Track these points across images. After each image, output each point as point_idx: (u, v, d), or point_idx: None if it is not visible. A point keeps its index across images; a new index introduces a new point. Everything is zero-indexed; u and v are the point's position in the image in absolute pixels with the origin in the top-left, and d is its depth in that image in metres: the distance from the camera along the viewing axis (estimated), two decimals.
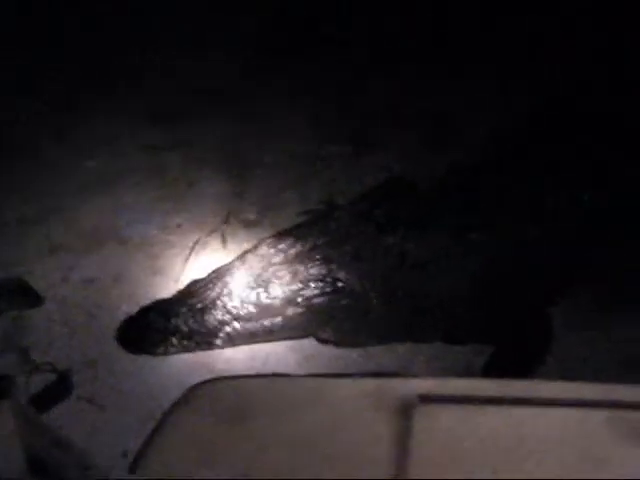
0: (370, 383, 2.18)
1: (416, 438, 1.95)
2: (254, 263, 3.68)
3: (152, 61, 5.45)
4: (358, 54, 5.36)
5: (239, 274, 3.63)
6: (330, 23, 5.59)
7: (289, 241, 3.71)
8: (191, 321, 3.53)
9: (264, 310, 3.56)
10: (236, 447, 2.03)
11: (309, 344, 3.68)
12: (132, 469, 1.94)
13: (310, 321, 3.62)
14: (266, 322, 3.57)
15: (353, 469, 1.94)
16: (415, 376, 2.22)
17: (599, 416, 1.95)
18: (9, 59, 5.34)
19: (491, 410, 2.00)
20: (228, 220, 4.29)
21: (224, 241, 4.16)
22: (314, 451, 1.99)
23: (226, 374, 3.37)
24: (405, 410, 2.01)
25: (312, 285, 3.58)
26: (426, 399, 2.03)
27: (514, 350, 3.66)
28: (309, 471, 1.95)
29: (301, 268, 3.60)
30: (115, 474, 1.64)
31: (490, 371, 3.54)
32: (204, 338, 3.54)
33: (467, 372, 3.56)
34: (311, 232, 3.76)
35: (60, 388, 3.46)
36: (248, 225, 4.26)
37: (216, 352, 3.61)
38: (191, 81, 5.32)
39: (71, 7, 5.66)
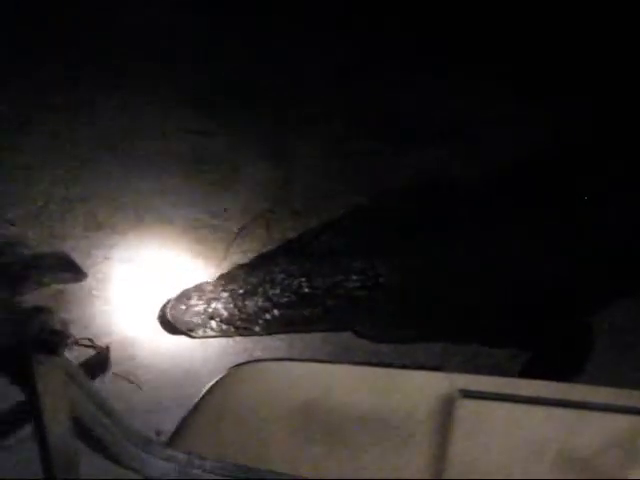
0: (412, 375, 2.17)
1: (456, 431, 1.93)
2: (297, 252, 3.69)
3: (194, 50, 5.50)
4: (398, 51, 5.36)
5: (282, 262, 3.63)
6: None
7: (333, 232, 3.72)
8: (231, 306, 3.53)
9: (304, 300, 3.55)
10: (273, 429, 2.03)
11: (346, 337, 3.67)
12: (169, 445, 1.94)
13: (349, 314, 3.61)
14: (306, 312, 3.56)
15: (391, 459, 1.93)
16: (456, 371, 2.19)
17: None
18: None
19: (532, 410, 1.99)
20: (274, 208, 4.30)
21: (269, 228, 4.17)
22: (351, 440, 1.99)
23: None
24: (446, 403, 2.00)
25: (354, 278, 3.56)
26: (467, 394, 2.02)
27: (551, 357, 3.62)
28: (344, 459, 1.94)
29: (344, 260, 3.59)
30: (151, 448, 1.63)
31: (525, 376, 3.51)
32: (243, 324, 3.55)
33: (502, 375, 3.53)
34: (355, 225, 3.76)
35: (97, 364, 3.48)
36: (293, 214, 4.24)
37: (254, 338, 3.62)
38: (234, 70, 5.35)
39: None
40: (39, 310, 1.26)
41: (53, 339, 1.25)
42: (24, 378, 1.27)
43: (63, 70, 5.27)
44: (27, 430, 1.45)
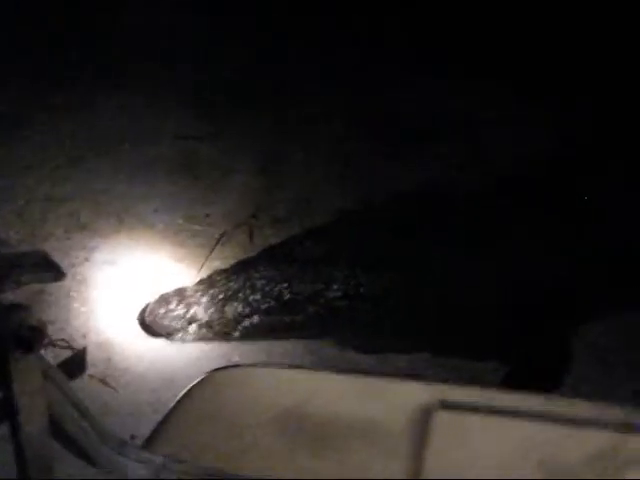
0: (391, 383, 2.16)
1: (433, 442, 1.92)
2: (279, 259, 3.67)
3: (194, 51, 5.53)
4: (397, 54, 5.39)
5: (263, 268, 3.62)
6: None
7: (316, 240, 3.71)
8: (211, 310, 3.52)
9: (285, 306, 3.54)
10: (249, 434, 2.01)
11: (327, 345, 3.66)
12: (144, 448, 1.92)
13: (330, 322, 3.60)
14: (286, 319, 3.55)
15: (367, 467, 1.92)
16: (437, 381, 2.18)
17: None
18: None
19: (512, 422, 1.98)
20: (257, 214, 4.29)
21: (251, 235, 4.16)
22: (326, 446, 1.97)
23: None
24: (424, 413, 1.99)
25: (335, 286, 3.56)
26: (447, 405, 2.01)
27: (533, 370, 3.61)
28: (323, 463, 1.93)
29: (325, 268, 3.59)
30: (126, 451, 1.61)
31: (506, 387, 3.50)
32: (222, 329, 3.53)
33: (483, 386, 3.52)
34: (340, 233, 3.76)
35: (73, 366, 3.44)
36: (276, 221, 4.25)
37: (233, 344, 3.60)
38: (223, 74, 5.37)
39: None
40: (17, 307, 1.25)
41: (31, 336, 1.23)
42: (1, 375, 1.25)
43: (62, 70, 5.30)
44: (2, 430, 1.43)
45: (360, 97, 5.12)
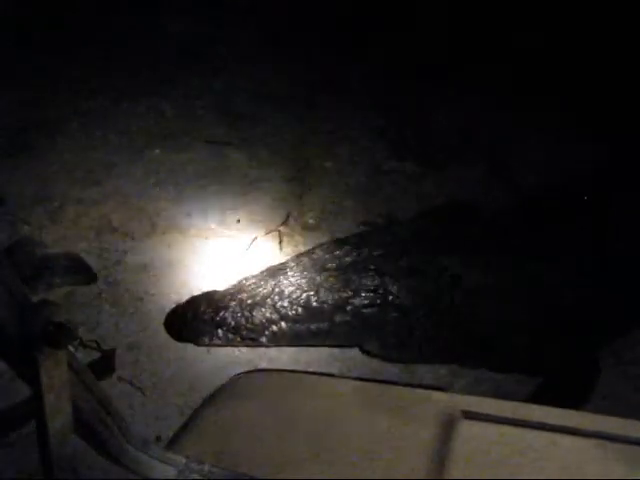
0: (415, 393, 2.16)
1: (455, 452, 1.92)
2: (308, 266, 3.69)
3: (220, 64, 5.60)
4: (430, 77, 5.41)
5: (292, 275, 3.64)
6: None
7: (345, 249, 3.72)
8: (239, 315, 3.54)
9: (312, 314, 3.55)
10: (272, 439, 2.02)
11: (353, 354, 3.66)
12: (167, 448, 1.93)
13: (356, 330, 3.61)
14: (313, 326, 3.56)
15: (389, 476, 1.92)
16: (460, 393, 2.19)
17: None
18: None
19: (533, 435, 1.97)
20: (287, 222, 4.32)
21: (281, 242, 4.18)
22: (351, 454, 1.98)
23: None
24: (447, 424, 1.99)
25: (362, 295, 3.56)
26: (469, 415, 2.01)
27: (558, 384, 3.59)
28: (344, 473, 1.94)
29: (354, 277, 3.60)
30: (150, 450, 1.63)
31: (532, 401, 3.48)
32: (250, 334, 3.55)
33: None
34: (368, 243, 3.76)
35: (102, 367, 3.48)
36: (306, 229, 4.28)
37: (260, 350, 3.61)
38: (260, 84, 5.42)
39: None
40: (46, 303, 1.26)
41: (59, 332, 1.24)
42: (30, 372, 1.27)
43: (93, 76, 5.37)
44: (30, 426, 1.45)
45: (397, 117, 5.17)
